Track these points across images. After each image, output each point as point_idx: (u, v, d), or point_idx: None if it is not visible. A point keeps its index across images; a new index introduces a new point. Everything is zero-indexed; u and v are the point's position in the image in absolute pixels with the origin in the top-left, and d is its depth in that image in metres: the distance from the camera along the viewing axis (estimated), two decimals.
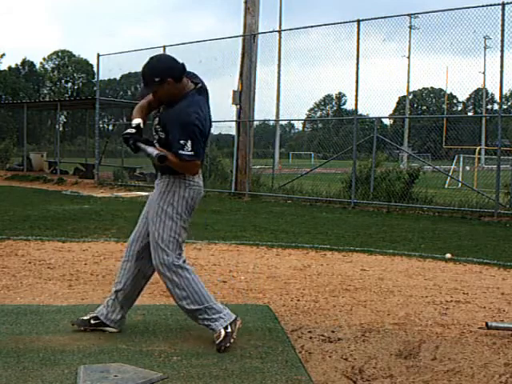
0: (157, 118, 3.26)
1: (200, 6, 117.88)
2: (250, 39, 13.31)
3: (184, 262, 3.23)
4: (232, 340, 3.14)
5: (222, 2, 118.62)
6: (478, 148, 24.29)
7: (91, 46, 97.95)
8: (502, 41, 9.79)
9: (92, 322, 3.38)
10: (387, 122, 36.89)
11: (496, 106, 34.93)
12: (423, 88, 60.70)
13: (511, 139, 27.37)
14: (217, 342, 3.13)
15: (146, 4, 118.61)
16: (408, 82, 30.14)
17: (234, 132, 14.05)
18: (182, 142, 3.06)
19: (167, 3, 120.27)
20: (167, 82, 3.12)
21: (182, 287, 3.18)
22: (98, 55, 16.79)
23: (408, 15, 12.11)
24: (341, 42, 12.35)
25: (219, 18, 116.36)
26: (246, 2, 13.55)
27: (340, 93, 54.04)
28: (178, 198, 3.21)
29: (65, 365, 2.86)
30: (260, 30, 13.69)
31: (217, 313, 3.20)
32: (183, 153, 3.06)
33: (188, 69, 3.26)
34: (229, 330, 3.16)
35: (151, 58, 3.23)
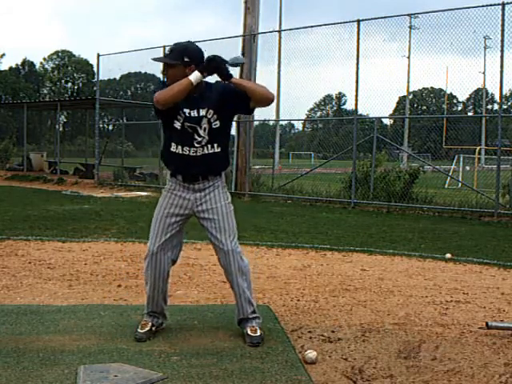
0: (202, 111, 3.27)
1: (200, 6, 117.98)
2: (249, 39, 13.31)
3: None
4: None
5: (222, 2, 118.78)
6: (478, 148, 24.27)
7: (91, 46, 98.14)
8: (502, 41, 9.79)
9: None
10: (387, 121, 36.90)
11: (496, 106, 34.96)
12: (423, 88, 60.75)
13: (511, 139, 27.36)
14: (254, 335, 3.26)
15: (146, 4, 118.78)
16: (408, 82, 30.16)
17: (233, 132, 14.05)
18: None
19: (168, 3, 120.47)
20: (190, 67, 3.19)
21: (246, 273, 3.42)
22: (98, 55, 16.79)
23: (408, 15, 12.11)
24: (341, 42, 12.35)
25: (220, 17, 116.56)
26: (245, 2, 13.55)
27: (340, 93, 54.13)
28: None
29: (65, 365, 2.86)
30: (260, 30, 13.69)
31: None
32: None
33: None
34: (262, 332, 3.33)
35: (190, 42, 3.35)
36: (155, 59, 3.32)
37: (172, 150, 3.33)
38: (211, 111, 3.28)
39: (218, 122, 3.30)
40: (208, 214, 3.34)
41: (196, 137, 3.28)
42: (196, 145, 3.29)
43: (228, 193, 3.48)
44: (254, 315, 3.38)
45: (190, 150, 3.29)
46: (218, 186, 3.38)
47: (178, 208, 3.35)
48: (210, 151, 3.31)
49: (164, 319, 3.47)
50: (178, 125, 3.28)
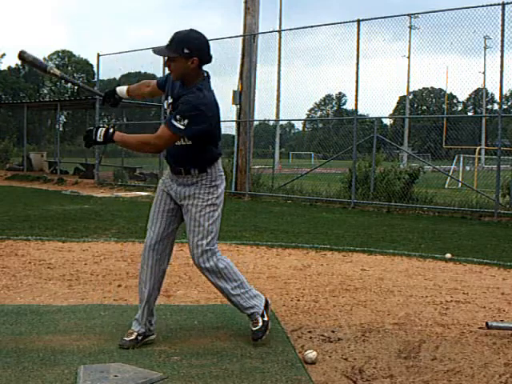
0: (169, 107, 3.13)
1: (202, 6, 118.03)
2: (249, 39, 13.31)
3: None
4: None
5: (223, 2, 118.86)
6: (478, 148, 24.27)
7: (91, 46, 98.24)
8: (502, 41, 9.80)
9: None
10: (387, 121, 36.88)
11: (496, 106, 34.97)
12: (423, 88, 60.73)
13: (511, 139, 27.36)
14: (255, 329, 3.20)
15: (146, 4, 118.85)
16: (408, 82, 30.13)
17: (234, 132, 14.05)
18: (178, 116, 2.93)
19: (169, 4, 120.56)
20: (192, 60, 2.96)
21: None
22: (98, 55, 16.77)
23: (408, 15, 12.12)
24: (341, 42, 12.37)
25: (221, 17, 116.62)
26: (245, 2, 13.55)
27: (340, 93, 54.08)
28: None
29: (65, 365, 2.86)
30: (260, 30, 13.70)
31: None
32: (174, 123, 2.92)
33: None
34: (265, 318, 3.23)
35: (192, 30, 3.02)
36: (154, 51, 3.05)
37: None
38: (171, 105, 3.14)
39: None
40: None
41: None
42: None
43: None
44: (251, 311, 3.28)
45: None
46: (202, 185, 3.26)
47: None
48: (183, 143, 3.10)
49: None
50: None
